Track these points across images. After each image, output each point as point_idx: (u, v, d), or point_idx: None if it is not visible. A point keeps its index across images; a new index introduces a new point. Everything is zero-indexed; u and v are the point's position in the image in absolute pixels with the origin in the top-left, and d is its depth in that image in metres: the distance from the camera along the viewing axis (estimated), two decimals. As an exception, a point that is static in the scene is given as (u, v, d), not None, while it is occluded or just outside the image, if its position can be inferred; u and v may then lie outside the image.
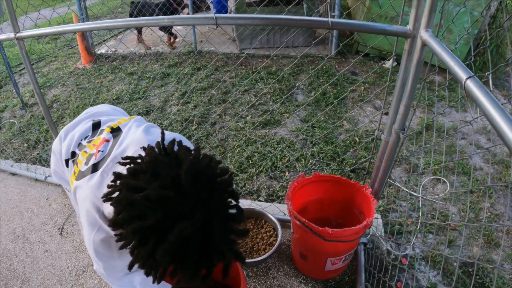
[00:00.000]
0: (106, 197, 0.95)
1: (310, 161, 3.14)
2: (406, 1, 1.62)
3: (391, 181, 2.89)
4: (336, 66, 5.14)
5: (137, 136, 1.24)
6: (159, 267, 0.85)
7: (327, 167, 2.50)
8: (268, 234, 2.23)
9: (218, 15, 1.50)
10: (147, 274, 0.86)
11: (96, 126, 1.41)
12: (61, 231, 2.63)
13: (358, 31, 1.52)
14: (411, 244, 2.52)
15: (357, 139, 3.50)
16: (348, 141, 3.45)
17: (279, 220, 2.27)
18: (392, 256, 2.33)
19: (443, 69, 4.79)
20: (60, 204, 2.86)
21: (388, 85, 1.85)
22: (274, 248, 2.08)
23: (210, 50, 5.83)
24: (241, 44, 5.78)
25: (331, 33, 5.50)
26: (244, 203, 2.55)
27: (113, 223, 0.88)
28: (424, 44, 1.47)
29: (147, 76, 5.12)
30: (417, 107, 4.13)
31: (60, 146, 1.40)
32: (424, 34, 1.45)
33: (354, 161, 3.16)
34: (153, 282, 0.87)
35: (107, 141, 1.27)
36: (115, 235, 0.92)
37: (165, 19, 1.63)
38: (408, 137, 3.62)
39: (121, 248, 0.88)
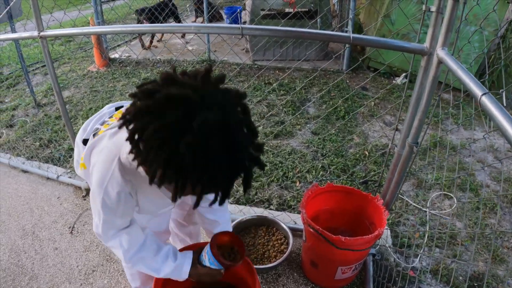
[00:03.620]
0: (124, 119, 0.89)
1: (321, 172, 3.18)
2: (419, 20, 1.67)
3: (400, 195, 2.91)
4: (347, 81, 5.18)
5: None
6: (183, 169, 0.81)
7: (338, 179, 2.53)
8: (279, 241, 2.27)
9: (243, 25, 1.55)
10: (171, 181, 0.85)
11: (119, 108, 1.46)
12: (72, 230, 2.66)
13: (377, 47, 1.57)
14: (419, 257, 2.53)
15: (366, 153, 3.53)
16: (358, 155, 3.48)
17: (290, 228, 2.30)
18: (400, 268, 2.34)
19: (453, 87, 4.77)
20: (71, 204, 2.90)
21: (402, 101, 1.89)
22: (285, 255, 2.11)
23: (223, 60, 5.90)
24: (254, 56, 5.84)
25: (344, 48, 5.57)
26: (256, 211, 2.59)
27: (132, 131, 0.86)
28: (440, 62, 1.52)
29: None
30: (430, 122, 4.16)
31: (83, 136, 1.43)
32: (441, 52, 1.50)
33: (363, 174, 3.19)
34: (174, 197, 0.88)
35: None
36: (131, 151, 0.90)
37: (192, 27, 1.69)
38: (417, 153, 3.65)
39: (141, 163, 0.89)
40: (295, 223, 2.48)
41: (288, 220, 2.51)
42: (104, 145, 1.18)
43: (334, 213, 2.21)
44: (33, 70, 5.93)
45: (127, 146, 0.91)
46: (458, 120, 4.16)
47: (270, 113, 4.20)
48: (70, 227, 2.68)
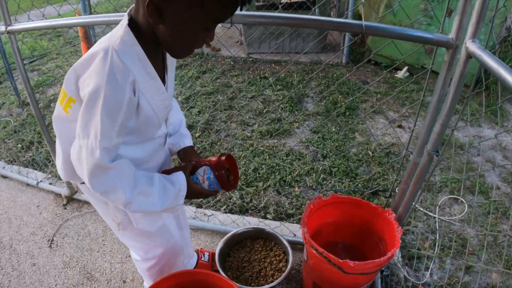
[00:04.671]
0: None
1: (322, 175, 2.94)
2: (423, 10, 1.42)
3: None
4: (347, 75, 4.94)
5: None
6: None
7: (344, 188, 2.29)
8: (277, 258, 2.02)
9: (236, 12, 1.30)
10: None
11: None
12: (51, 243, 2.43)
13: (393, 37, 1.32)
14: (429, 270, 2.32)
15: (370, 153, 3.30)
16: (360, 155, 3.25)
17: (289, 242, 2.06)
18: (409, 283, 2.13)
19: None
20: (51, 213, 2.66)
21: (422, 100, 1.64)
22: (284, 274, 1.87)
23: (216, 53, 5.64)
24: (249, 48, 5.58)
25: (343, 39, 5.33)
26: (251, 222, 2.35)
27: None
28: (470, 57, 1.28)
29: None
30: (455, 127, 3.95)
31: None
32: (471, 45, 1.25)
33: (367, 177, 2.96)
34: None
35: None
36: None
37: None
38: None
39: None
40: (295, 235, 2.24)
41: (286, 232, 2.27)
42: (90, 53, 1.04)
43: (338, 226, 1.97)
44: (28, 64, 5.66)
45: (119, 30, 1.02)
46: (464, 116, 3.94)
47: (266, 109, 3.94)
48: (49, 240, 2.45)
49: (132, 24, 1.04)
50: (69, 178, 1.32)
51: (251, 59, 5.37)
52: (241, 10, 1.01)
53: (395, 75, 5.01)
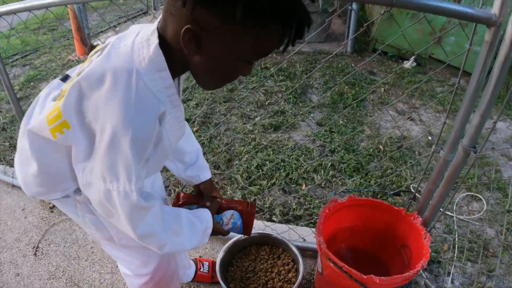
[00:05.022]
0: None
1: (331, 172, 2.71)
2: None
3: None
4: (352, 65, 4.72)
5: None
6: None
7: (363, 189, 2.05)
8: (286, 268, 1.80)
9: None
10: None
11: (65, 78, 1.07)
12: (36, 250, 2.22)
13: (426, 11, 1.09)
14: (451, 276, 2.12)
15: (381, 147, 3.07)
16: (371, 149, 3.02)
17: (298, 248, 1.84)
18: None
19: (466, 72, 4.38)
20: (36, 217, 2.44)
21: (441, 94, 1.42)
22: (294, 287, 1.65)
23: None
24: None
25: (347, 29, 5.09)
26: (255, 226, 2.12)
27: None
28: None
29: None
30: (498, 119, 3.72)
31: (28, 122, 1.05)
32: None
33: (379, 173, 2.74)
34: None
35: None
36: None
37: None
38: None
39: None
40: (304, 240, 2.02)
41: (295, 236, 2.05)
42: (100, 69, 0.84)
43: (355, 231, 1.75)
44: (11, 62, 5.41)
45: (144, 48, 0.84)
46: (476, 107, 3.69)
47: (268, 101, 3.71)
48: (34, 247, 2.23)
49: (161, 43, 0.85)
50: (45, 193, 1.11)
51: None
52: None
53: (403, 65, 4.79)
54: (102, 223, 1.15)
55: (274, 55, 4.96)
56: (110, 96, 0.80)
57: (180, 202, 1.33)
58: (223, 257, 1.80)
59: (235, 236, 1.90)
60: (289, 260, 1.83)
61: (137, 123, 0.82)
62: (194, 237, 1.12)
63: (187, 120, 3.32)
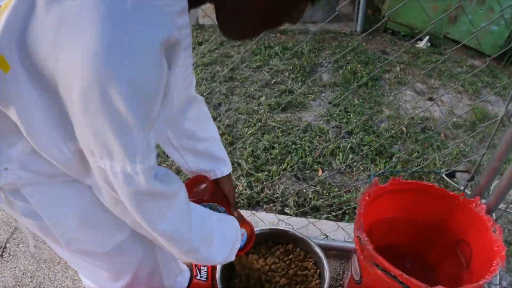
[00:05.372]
0: None
1: (350, 155, 2.32)
2: None
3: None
4: (364, 44, 4.35)
5: None
6: None
7: (410, 170, 1.63)
8: (307, 273, 1.40)
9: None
10: None
11: None
12: (3, 251, 1.84)
13: None
14: (497, 275, 1.76)
15: (404, 128, 2.70)
16: (393, 131, 2.65)
17: (321, 247, 1.44)
18: None
19: (481, 53, 4.10)
20: (5, 213, 2.05)
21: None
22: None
23: (214, 24, 4.99)
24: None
25: (357, 7, 4.72)
26: (265, 219, 1.73)
27: None
28: None
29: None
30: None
31: None
32: None
33: (406, 156, 2.37)
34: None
35: None
36: None
37: None
38: (464, 128, 2.86)
39: None
40: (326, 237, 1.63)
41: (314, 232, 1.65)
42: None
43: (395, 223, 1.36)
44: None
45: None
46: (496, 89, 3.47)
47: (274, 80, 3.31)
48: (1, 247, 1.86)
49: None
50: None
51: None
52: None
53: (416, 45, 4.46)
54: (40, 216, 0.76)
55: (279, 34, 4.59)
56: (87, 4, 0.46)
57: (205, 198, 0.97)
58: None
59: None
60: (311, 264, 1.44)
61: (134, 53, 0.49)
62: (223, 249, 0.90)
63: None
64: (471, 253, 1.23)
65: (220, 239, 0.88)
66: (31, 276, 1.72)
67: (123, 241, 0.90)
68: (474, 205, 1.20)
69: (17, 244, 1.87)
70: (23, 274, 1.73)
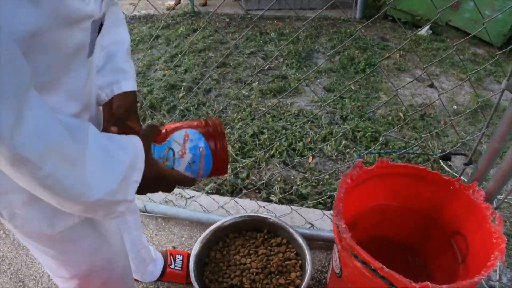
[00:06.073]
0: None
1: (343, 142, 2.20)
2: None
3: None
4: (363, 31, 4.24)
5: None
6: None
7: (400, 151, 1.51)
8: (288, 265, 1.29)
9: None
10: None
11: None
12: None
13: None
14: (497, 271, 1.66)
15: (401, 114, 2.58)
16: (390, 117, 2.53)
17: (305, 237, 1.32)
18: None
19: (485, 41, 3.97)
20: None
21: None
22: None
23: (209, 11, 4.87)
24: (247, 4, 4.81)
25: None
26: (247, 206, 1.61)
27: None
28: None
29: (131, 38, 4.15)
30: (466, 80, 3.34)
31: None
32: None
33: (403, 144, 2.26)
34: None
35: None
36: None
37: None
38: (465, 116, 2.75)
39: None
40: (312, 226, 1.52)
41: (299, 221, 1.53)
42: None
43: (385, 212, 1.24)
44: None
45: None
46: (499, 78, 3.37)
47: (268, 66, 3.18)
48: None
49: None
50: None
51: (249, 16, 4.60)
52: None
53: (417, 32, 4.34)
54: None
55: (276, 21, 4.46)
56: None
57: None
58: (199, 250, 1.29)
59: (218, 221, 1.39)
60: (292, 254, 1.32)
61: None
62: (110, 173, 0.60)
63: (173, 86, 2.85)
64: (467, 246, 1.11)
65: (102, 159, 0.60)
66: (9, 263, 1.64)
67: (76, 225, 0.78)
68: (471, 191, 1.07)
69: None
70: (1, 260, 1.65)
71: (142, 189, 0.67)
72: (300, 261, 1.30)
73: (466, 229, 1.12)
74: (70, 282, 0.93)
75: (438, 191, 1.14)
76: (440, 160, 1.80)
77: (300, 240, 1.30)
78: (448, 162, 1.96)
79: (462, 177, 1.19)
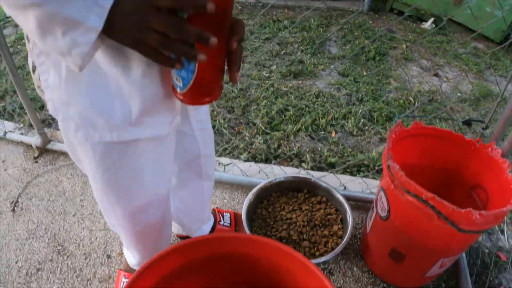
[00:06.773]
0: None
1: (362, 120, 2.36)
2: None
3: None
4: (370, 22, 4.39)
5: None
6: None
7: (432, 116, 1.63)
8: (330, 220, 1.44)
9: None
10: None
11: None
12: (14, 206, 1.82)
13: None
14: (505, 234, 1.81)
15: (411, 99, 2.75)
16: (401, 100, 2.70)
17: (345, 197, 1.48)
18: (486, 250, 1.64)
19: (484, 37, 4.10)
20: (18, 169, 2.04)
21: None
22: (344, 241, 1.30)
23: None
24: (258, -7, 4.94)
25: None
26: (281, 173, 1.76)
27: None
28: None
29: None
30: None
31: None
32: None
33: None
34: None
35: None
36: None
37: None
38: (469, 102, 2.90)
39: None
40: (345, 188, 1.67)
41: (333, 183, 1.68)
42: None
43: (414, 170, 1.39)
44: (3, 24, 5.04)
45: None
46: (499, 71, 3.55)
47: (284, 51, 3.34)
48: (12, 202, 1.84)
49: None
50: None
51: (261, 4, 4.73)
52: None
53: (421, 26, 4.50)
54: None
55: (286, 10, 4.60)
56: None
57: None
58: (249, 205, 1.44)
59: (260, 182, 1.54)
60: (332, 210, 1.48)
61: None
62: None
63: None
64: (487, 195, 1.27)
65: None
66: (45, 229, 1.69)
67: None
68: (490, 149, 1.24)
69: (30, 199, 1.84)
70: (37, 226, 1.70)
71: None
72: (340, 216, 1.45)
73: (485, 182, 1.27)
74: (120, 218, 0.98)
75: (460, 151, 1.30)
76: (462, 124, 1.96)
77: (340, 197, 1.46)
78: (469, 127, 2.10)
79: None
